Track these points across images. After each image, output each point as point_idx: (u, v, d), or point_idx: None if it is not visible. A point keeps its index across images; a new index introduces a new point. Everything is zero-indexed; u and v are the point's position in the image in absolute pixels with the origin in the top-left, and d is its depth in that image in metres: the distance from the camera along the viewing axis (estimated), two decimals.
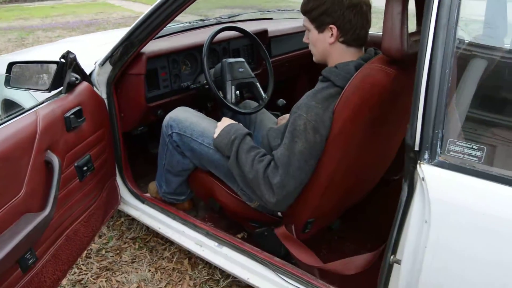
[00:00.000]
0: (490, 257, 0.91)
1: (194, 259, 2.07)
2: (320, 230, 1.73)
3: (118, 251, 2.14)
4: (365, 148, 1.41)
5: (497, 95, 1.11)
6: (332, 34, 1.40)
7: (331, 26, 1.39)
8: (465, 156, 0.93)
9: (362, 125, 1.32)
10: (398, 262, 1.09)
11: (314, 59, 1.52)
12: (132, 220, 2.34)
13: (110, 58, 1.68)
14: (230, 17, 2.79)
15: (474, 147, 0.92)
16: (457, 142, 0.94)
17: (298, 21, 2.84)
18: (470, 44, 1.49)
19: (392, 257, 1.11)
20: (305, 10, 1.44)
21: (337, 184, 1.43)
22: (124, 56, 1.65)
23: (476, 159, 0.91)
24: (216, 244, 1.69)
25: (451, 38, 0.95)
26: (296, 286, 1.44)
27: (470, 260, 0.93)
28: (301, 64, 2.71)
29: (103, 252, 2.14)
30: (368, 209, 1.91)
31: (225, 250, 1.66)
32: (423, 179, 0.95)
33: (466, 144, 0.93)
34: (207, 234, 1.72)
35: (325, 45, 1.43)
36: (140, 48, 1.65)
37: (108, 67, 1.71)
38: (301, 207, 1.46)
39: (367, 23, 1.42)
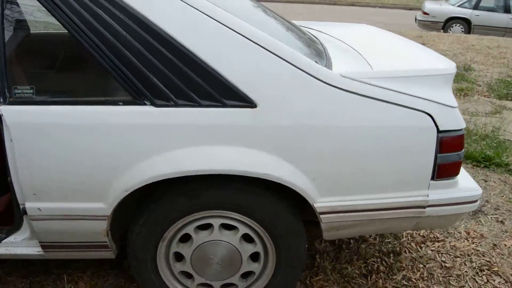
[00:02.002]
0: (52, 151, 1.50)
1: None
2: None
3: None
4: None
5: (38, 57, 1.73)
6: None
7: None
8: (24, 94, 1.49)
9: None
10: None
11: None
12: None
13: None
14: None
15: (28, 87, 1.49)
16: (18, 87, 1.49)
17: None
18: None
19: (9, 179, 1.58)
20: None
21: None
22: None
23: (30, 94, 1.49)
24: None
25: None
26: None
27: (44, 155, 1.50)
28: None
29: None
30: None
31: None
32: (2, 115, 1.46)
33: (24, 87, 1.49)
34: None
35: None
36: None
37: None
38: None
39: None
